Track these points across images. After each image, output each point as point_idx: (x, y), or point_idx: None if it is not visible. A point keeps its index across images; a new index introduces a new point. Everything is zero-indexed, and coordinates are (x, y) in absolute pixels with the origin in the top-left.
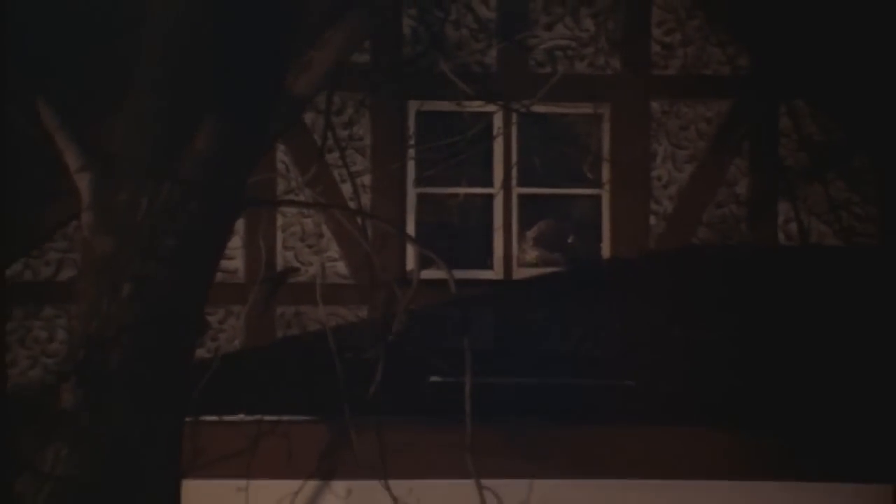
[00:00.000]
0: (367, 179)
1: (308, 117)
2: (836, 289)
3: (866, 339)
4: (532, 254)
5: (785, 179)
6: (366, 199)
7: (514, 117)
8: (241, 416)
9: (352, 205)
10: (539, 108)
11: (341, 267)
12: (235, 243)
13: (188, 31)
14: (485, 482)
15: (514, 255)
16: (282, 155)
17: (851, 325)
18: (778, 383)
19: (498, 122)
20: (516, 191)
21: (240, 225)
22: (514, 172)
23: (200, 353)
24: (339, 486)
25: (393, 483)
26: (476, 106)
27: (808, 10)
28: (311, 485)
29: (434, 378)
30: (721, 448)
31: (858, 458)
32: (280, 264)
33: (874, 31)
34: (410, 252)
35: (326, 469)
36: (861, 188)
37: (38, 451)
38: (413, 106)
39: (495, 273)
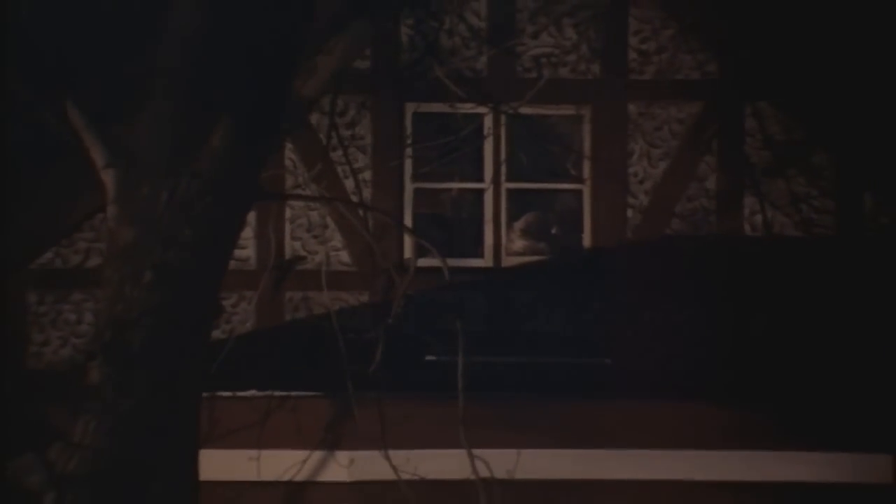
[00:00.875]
0: (367, 175)
1: (314, 118)
2: (796, 274)
3: (835, 319)
4: (519, 243)
5: (750, 175)
6: (367, 194)
7: (503, 118)
8: (252, 392)
9: (354, 198)
10: (526, 110)
11: (344, 255)
12: (247, 234)
13: (204, 38)
14: (476, 452)
15: (502, 244)
16: (290, 152)
17: (816, 307)
18: (747, 359)
19: (488, 122)
20: (505, 186)
21: (251, 217)
22: (503, 169)
23: (215, 334)
24: (342, 455)
25: (392, 453)
26: (468, 108)
27: (773, 20)
28: (317, 455)
29: (430, 357)
30: (693, 420)
31: (858, 428)
32: (288, 253)
33: (832, 40)
34: (408, 242)
35: (331, 440)
36: (819, 183)
37: (68, 422)
38: (410, 108)
39: (486, 261)
